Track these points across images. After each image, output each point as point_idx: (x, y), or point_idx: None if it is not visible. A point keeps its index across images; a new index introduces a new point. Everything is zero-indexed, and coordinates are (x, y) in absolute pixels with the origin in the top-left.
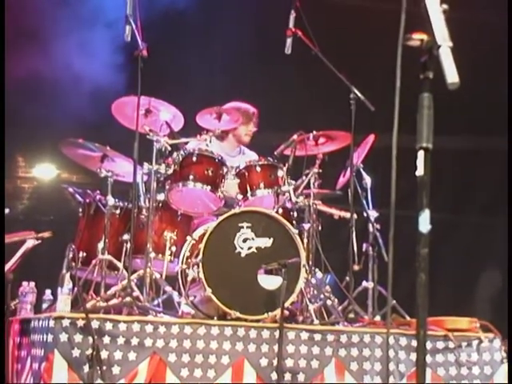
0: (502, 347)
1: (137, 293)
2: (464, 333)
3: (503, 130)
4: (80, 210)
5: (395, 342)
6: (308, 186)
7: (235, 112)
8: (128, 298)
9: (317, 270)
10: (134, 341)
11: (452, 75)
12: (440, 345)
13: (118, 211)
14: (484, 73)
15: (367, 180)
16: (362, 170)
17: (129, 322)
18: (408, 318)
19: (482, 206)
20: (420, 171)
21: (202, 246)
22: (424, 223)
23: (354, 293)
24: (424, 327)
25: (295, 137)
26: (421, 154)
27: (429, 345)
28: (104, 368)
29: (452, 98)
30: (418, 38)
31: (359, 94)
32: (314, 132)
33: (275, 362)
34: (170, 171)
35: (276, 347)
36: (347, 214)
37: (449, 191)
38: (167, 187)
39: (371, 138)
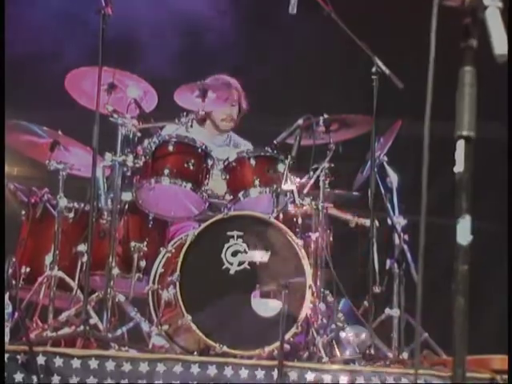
0: None
1: (95, 320)
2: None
3: None
4: (23, 212)
5: None
6: (317, 185)
7: (224, 88)
8: (83, 327)
9: (327, 292)
10: (91, 381)
11: (501, 45)
12: None
13: (71, 215)
14: None
15: (393, 178)
16: (386, 164)
17: (84, 358)
18: (444, 356)
19: None
20: (459, 167)
21: (179, 260)
22: (463, 233)
23: (374, 322)
24: (463, 367)
25: (300, 122)
26: (460, 145)
27: None
28: None
29: None
30: None
31: (384, 67)
32: (325, 116)
33: None
34: (140, 164)
35: None
36: (367, 221)
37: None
38: (136, 184)
39: (398, 124)
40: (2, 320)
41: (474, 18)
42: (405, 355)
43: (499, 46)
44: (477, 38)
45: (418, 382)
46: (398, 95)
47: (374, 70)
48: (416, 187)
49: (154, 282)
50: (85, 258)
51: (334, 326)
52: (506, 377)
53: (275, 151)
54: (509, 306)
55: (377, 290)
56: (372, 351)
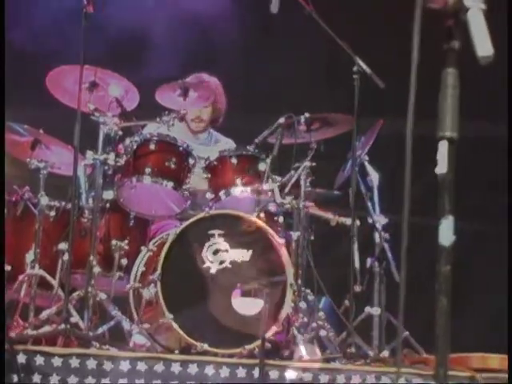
0: None
1: (76, 318)
2: (495, 374)
3: None
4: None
5: None
6: (298, 184)
7: (205, 87)
8: (64, 325)
9: (308, 291)
10: (72, 380)
11: (484, 46)
12: None
13: (52, 213)
14: None
15: (373, 177)
16: (367, 163)
17: (65, 356)
18: (424, 355)
19: None
20: (442, 168)
21: (160, 258)
22: (446, 234)
23: (355, 321)
24: (445, 365)
25: (282, 120)
26: (443, 146)
27: None
28: None
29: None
30: None
31: (365, 67)
32: (307, 114)
33: None
34: (121, 162)
35: None
36: (347, 220)
37: (482, 193)
38: (117, 183)
39: (379, 123)
40: (2, 320)
41: (457, 19)
42: (385, 353)
43: (482, 48)
44: (459, 40)
45: (400, 380)
46: (379, 95)
47: (355, 69)
48: (397, 186)
49: (135, 281)
50: (66, 257)
51: (314, 324)
52: (485, 375)
53: (256, 150)
54: (509, 306)
55: (357, 288)
56: (353, 350)
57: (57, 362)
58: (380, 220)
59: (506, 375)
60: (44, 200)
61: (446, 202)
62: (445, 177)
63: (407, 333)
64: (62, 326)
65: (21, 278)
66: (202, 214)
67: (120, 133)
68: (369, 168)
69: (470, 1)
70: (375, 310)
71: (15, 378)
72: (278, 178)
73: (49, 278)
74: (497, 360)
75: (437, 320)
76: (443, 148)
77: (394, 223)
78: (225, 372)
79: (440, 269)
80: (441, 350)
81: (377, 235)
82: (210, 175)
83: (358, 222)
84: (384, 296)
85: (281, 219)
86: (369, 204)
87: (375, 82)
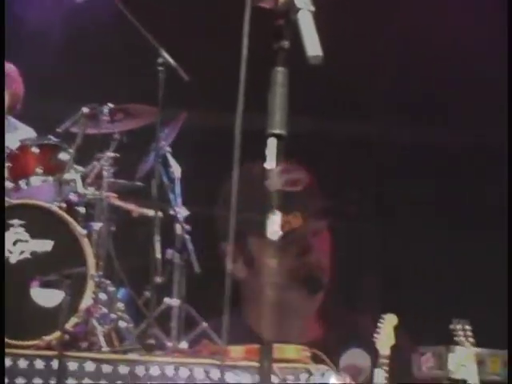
0: (337, 382)
1: None
2: (291, 364)
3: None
4: None
5: (206, 376)
6: (100, 175)
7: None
8: None
9: (108, 282)
10: None
11: (313, 47)
12: None
13: None
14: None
15: (176, 169)
16: (169, 155)
17: None
18: (222, 345)
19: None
20: (271, 163)
21: None
22: (273, 228)
23: (154, 312)
24: (270, 357)
25: (85, 110)
26: (272, 143)
27: (246, 379)
28: None
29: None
30: None
31: (170, 59)
32: (110, 105)
33: None
34: None
35: (53, 382)
36: (149, 212)
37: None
38: None
39: (183, 116)
40: (2, 320)
41: (287, 19)
42: (184, 345)
43: (311, 48)
44: (289, 40)
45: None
46: (183, 88)
47: (160, 61)
48: (198, 179)
49: None
50: None
51: (113, 315)
52: (282, 365)
53: (59, 139)
54: (509, 306)
55: (158, 279)
56: (152, 341)
57: None
58: (181, 212)
59: (301, 365)
60: None
61: (274, 197)
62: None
63: (206, 324)
64: None
65: None
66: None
67: None
68: (171, 160)
69: (301, 2)
70: (175, 301)
71: None
72: (81, 168)
73: None
74: (292, 350)
75: (263, 312)
76: (272, 144)
77: (195, 215)
78: (23, 364)
79: (267, 262)
80: (266, 341)
81: (178, 227)
82: (11, 164)
83: (159, 214)
84: (184, 287)
85: (82, 210)
86: (171, 196)
87: (180, 75)
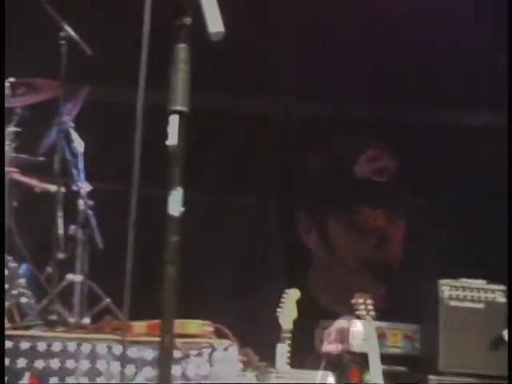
0: (240, 356)
1: None
2: (194, 339)
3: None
4: None
5: (108, 352)
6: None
7: None
8: None
9: (10, 258)
10: None
11: (215, 23)
12: None
13: None
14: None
15: (78, 144)
16: (72, 130)
17: None
18: (125, 321)
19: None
20: (173, 140)
21: None
22: (175, 205)
23: (57, 288)
24: (171, 333)
25: None
26: (174, 120)
27: (148, 354)
28: None
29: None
30: None
31: (72, 33)
32: (11, 79)
33: None
34: None
35: None
36: (52, 187)
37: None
38: None
39: (85, 90)
40: (2, 320)
41: None
42: (86, 320)
43: (213, 25)
44: (191, 17)
45: (98, 348)
46: (86, 62)
47: (62, 34)
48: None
49: None
50: None
51: (15, 291)
52: (183, 340)
53: None
54: (509, 306)
55: (60, 255)
56: (54, 317)
57: None
58: (85, 187)
59: (204, 340)
60: None
61: (176, 173)
62: (175, 149)
63: (109, 300)
64: None
65: None
66: None
67: None
68: (74, 135)
69: None
70: (77, 277)
71: None
72: None
73: None
74: (195, 325)
75: (164, 288)
76: (174, 121)
77: (99, 190)
78: None
79: (168, 238)
80: (167, 316)
81: (81, 202)
82: None
83: (62, 189)
84: (87, 263)
85: None
86: (74, 171)
87: (83, 49)
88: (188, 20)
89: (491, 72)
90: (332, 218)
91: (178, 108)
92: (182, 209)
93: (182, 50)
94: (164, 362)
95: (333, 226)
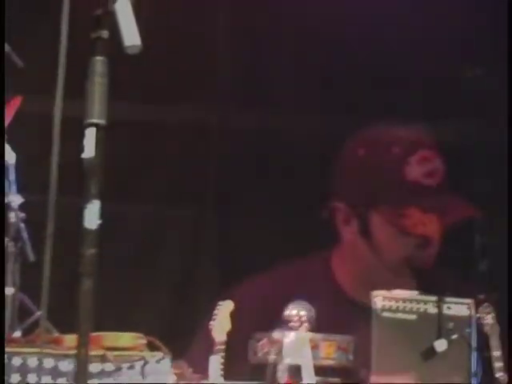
0: (173, 369)
1: None
2: (127, 352)
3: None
4: None
5: (38, 365)
6: None
7: None
8: None
9: None
10: None
11: (131, 36)
12: (96, 367)
13: None
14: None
15: (10, 156)
16: (4, 142)
17: None
18: (56, 334)
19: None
20: (89, 153)
21: None
22: (91, 218)
23: None
24: (86, 345)
25: None
26: (90, 132)
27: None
28: None
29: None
30: None
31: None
32: None
33: None
34: None
35: None
36: None
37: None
38: None
39: (18, 100)
40: (2, 320)
41: (105, 9)
42: (18, 334)
43: (128, 38)
44: (108, 29)
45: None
46: (17, 72)
47: None
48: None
49: None
50: None
51: None
52: (117, 353)
53: None
54: (509, 305)
55: None
56: None
57: None
58: (16, 199)
59: (136, 353)
60: None
61: (92, 186)
62: (92, 162)
63: (40, 313)
64: None
65: None
66: None
67: None
68: (7, 147)
69: None
70: (9, 290)
71: None
72: None
73: None
74: (128, 338)
75: (79, 301)
76: (90, 134)
77: (32, 203)
78: None
79: (84, 252)
80: (83, 330)
81: (12, 214)
82: None
83: None
84: (18, 276)
85: None
86: (5, 183)
87: (14, 61)
88: (105, 33)
89: None
90: (376, 213)
91: (95, 121)
92: (99, 221)
93: (98, 63)
94: (81, 374)
95: (376, 221)
